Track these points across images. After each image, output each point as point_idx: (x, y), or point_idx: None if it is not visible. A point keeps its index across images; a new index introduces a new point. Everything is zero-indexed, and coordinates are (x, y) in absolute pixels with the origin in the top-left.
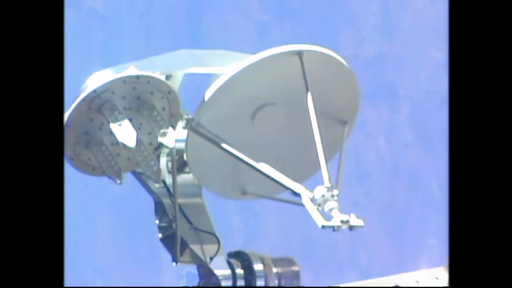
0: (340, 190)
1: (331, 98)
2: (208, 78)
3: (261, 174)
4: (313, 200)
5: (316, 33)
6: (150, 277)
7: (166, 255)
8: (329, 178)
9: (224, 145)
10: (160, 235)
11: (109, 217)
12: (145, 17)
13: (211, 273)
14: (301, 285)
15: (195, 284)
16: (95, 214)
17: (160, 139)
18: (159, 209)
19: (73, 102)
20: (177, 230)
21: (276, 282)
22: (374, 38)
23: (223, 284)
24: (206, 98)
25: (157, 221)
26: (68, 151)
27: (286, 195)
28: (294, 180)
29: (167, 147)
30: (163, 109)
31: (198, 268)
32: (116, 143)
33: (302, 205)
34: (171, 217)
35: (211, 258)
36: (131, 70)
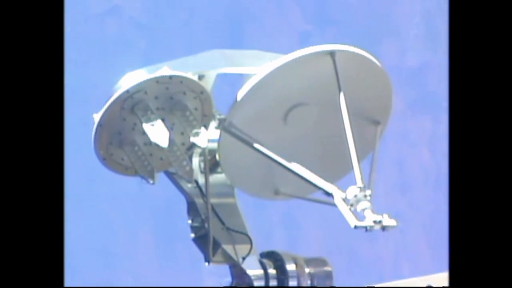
0: (372, 190)
1: (363, 98)
2: (241, 78)
3: (293, 174)
4: (345, 200)
5: (359, 43)
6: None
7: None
8: (361, 178)
9: (256, 145)
10: (192, 235)
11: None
12: (186, 27)
13: (243, 273)
14: (334, 285)
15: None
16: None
17: (192, 139)
18: (192, 209)
19: (106, 102)
20: (210, 230)
21: (309, 282)
22: (417, 48)
23: (256, 284)
24: (239, 98)
25: (189, 221)
26: (100, 151)
27: (318, 195)
28: (327, 180)
29: (199, 147)
30: (196, 109)
31: (230, 268)
32: (149, 143)
33: (335, 205)
34: (203, 217)
35: (244, 258)
36: (164, 70)
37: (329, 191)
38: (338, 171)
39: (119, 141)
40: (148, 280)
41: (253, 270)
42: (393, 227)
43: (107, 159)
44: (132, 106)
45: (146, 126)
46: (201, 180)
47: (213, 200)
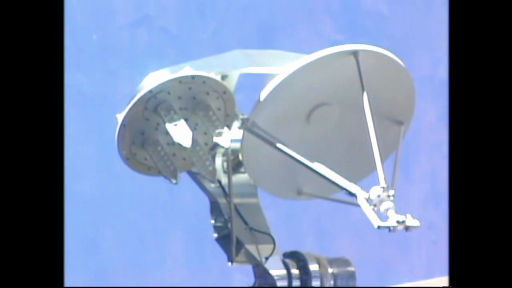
0: (395, 190)
1: (387, 98)
2: (264, 78)
3: (316, 174)
4: (368, 200)
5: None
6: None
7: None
8: (385, 178)
9: (279, 145)
10: (215, 235)
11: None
12: (217, 36)
13: (266, 273)
14: (357, 285)
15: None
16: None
17: (215, 139)
18: (215, 209)
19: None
20: (233, 230)
21: (332, 282)
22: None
23: (279, 284)
24: (262, 98)
25: (212, 221)
26: (124, 151)
27: (341, 196)
28: (350, 180)
29: (222, 147)
30: (219, 109)
31: (253, 268)
32: (172, 143)
33: (358, 205)
34: (226, 217)
35: (267, 258)
36: (187, 70)
37: (352, 191)
38: (361, 171)
39: (142, 141)
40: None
41: (276, 270)
42: (416, 227)
43: (130, 159)
44: (155, 106)
45: (169, 126)
46: (224, 180)
47: (236, 200)
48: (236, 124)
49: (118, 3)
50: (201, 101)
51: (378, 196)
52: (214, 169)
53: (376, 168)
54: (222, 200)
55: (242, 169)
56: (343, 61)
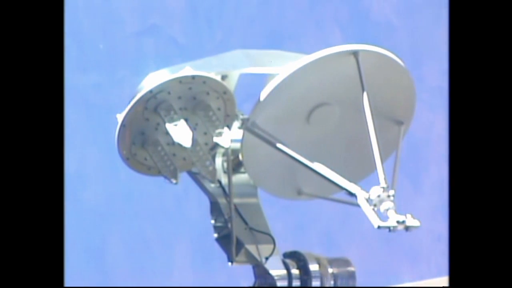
0: (395, 191)
1: (387, 97)
2: (264, 78)
3: (316, 174)
4: (368, 200)
5: None
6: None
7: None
8: (385, 178)
9: (279, 145)
10: (215, 235)
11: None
12: (224, 45)
13: (266, 273)
14: (357, 285)
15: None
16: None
17: (215, 139)
18: (215, 209)
19: (130, 102)
20: (233, 230)
21: (332, 282)
22: None
23: (279, 284)
24: (262, 98)
25: (212, 221)
26: (123, 151)
27: (341, 196)
28: (350, 180)
29: (222, 147)
30: (219, 109)
31: (253, 268)
32: (172, 143)
33: (358, 205)
34: (226, 217)
35: (267, 258)
36: (187, 70)
37: (352, 191)
38: (361, 171)
39: (142, 141)
40: None
41: (276, 270)
42: (416, 227)
43: (130, 159)
44: (155, 106)
45: (169, 126)
46: (224, 180)
47: (236, 200)
48: (236, 124)
49: (125, 12)
50: (201, 101)
51: (378, 196)
52: (214, 169)
53: (376, 168)
54: (222, 200)
55: (242, 169)
56: (343, 61)
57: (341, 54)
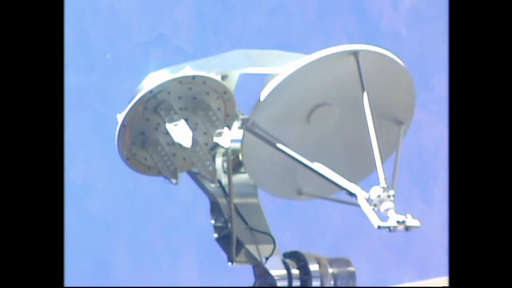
0: (395, 191)
1: (387, 98)
2: (264, 78)
3: (316, 174)
4: (369, 200)
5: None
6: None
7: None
8: (385, 178)
9: (279, 145)
10: (215, 235)
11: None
12: None
13: (266, 273)
14: (357, 285)
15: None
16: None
17: (215, 139)
18: (215, 209)
19: (129, 102)
20: (233, 230)
21: (332, 282)
22: None
23: (279, 284)
24: (262, 98)
25: (212, 221)
26: (123, 151)
27: (341, 196)
28: (350, 180)
29: (222, 147)
30: (219, 109)
31: (253, 268)
32: (172, 143)
33: (358, 205)
34: (226, 217)
35: (267, 258)
36: (187, 70)
37: (353, 191)
38: (361, 171)
39: (142, 141)
40: None
41: (276, 270)
42: (416, 227)
43: (130, 159)
44: (155, 106)
45: (169, 126)
46: (224, 180)
47: (236, 200)
48: (236, 124)
49: (133, 22)
50: (201, 101)
51: (378, 196)
52: (214, 169)
53: (376, 168)
54: (222, 200)
55: (242, 169)
56: (344, 61)
57: (341, 54)
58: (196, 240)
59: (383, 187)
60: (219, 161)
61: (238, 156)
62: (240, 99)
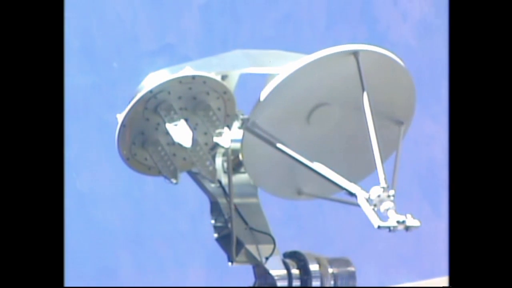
0: (395, 191)
1: (387, 98)
2: (264, 78)
3: (316, 174)
4: (369, 200)
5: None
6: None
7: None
8: (385, 178)
9: (279, 145)
10: (215, 235)
11: None
12: None
13: (266, 273)
14: (357, 285)
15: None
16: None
17: (215, 139)
18: (215, 209)
19: (129, 102)
20: (233, 230)
21: (332, 282)
22: None
23: (279, 284)
24: (262, 98)
25: (212, 221)
26: (123, 151)
27: (341, 196)
28: (350, 180)
29: (222, 147)
30: (219, 109)
31: (253, 268)
32: (172, 143)
33: (358, 205)
34: (226, 217)
35: (267, 258)
36: (187, 70)
37: (353, 191)
38: (361, 171)
39: (142, 141)
40: None
41: (276, 270)
42: (416, 227)
43: (130, 159)
44: (155, 106)
45: (169, 126)
46: (224, 180)
47: (236, 200)
48: (236, 124)
49: (139, 31)
50: (201, 101)
51: (378, 196)
52: (214, 169)
53: (376, 168)
54: (222, 200)
55: (242, 169)
56: (344, 61)
57: (341, 54)
58: (203, 248)
59: (383, 187)
60: (219, 161)
61: (238, 156)
62: (240, 99)
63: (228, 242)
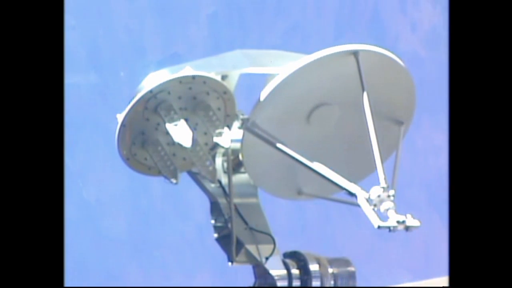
0: (395, 191)
1: (387, 98)
2: (264, 78)
3: (316, 174)
4: (369, 200)
5: (424, 90)
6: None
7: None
8: (385, 178)
9: (279, 145)
10: (215, 235)
11: None
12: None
13: (266, 273)
14: (357, 285)
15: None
16: None
17: (215, 139)
18: (215, 209)
19: (130, 102)
20: (233, 230)
21: (332, 282)
22: None
23: (279, 284)
24: (262, 98)
25: (212, 221)
26: (123, 151)
27: (341, 196)
28: (350, 180)
29: (222, 147)
30: (219, 109)
31: (253, 268)
32: (172, 143)
33: (358, 205)
34: (226, 217)
35: (267, 258)
36: (187, 70)
37: (353, 191)
38: (361, 171)
39: (142, 141)
40: None
41: (276, 270)
42: (416, 227)
43: (130, 159)
44: (156, 106)
45: (169, 126)
46: (224, 180)
47: (236, 200)
48: (236, 124)
49: (147, 40)
50: (201, 101)
51: (378, 196)
52: (214, 169)
53: (376, 168)
54: (222, 200)
55: (242, 169)
56: (344, 61)
57: (341, 54)
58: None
59: (383, 187)
60: (219, 161)
61: (238, 156)
62: (240, 99)
63: (228, 242)
